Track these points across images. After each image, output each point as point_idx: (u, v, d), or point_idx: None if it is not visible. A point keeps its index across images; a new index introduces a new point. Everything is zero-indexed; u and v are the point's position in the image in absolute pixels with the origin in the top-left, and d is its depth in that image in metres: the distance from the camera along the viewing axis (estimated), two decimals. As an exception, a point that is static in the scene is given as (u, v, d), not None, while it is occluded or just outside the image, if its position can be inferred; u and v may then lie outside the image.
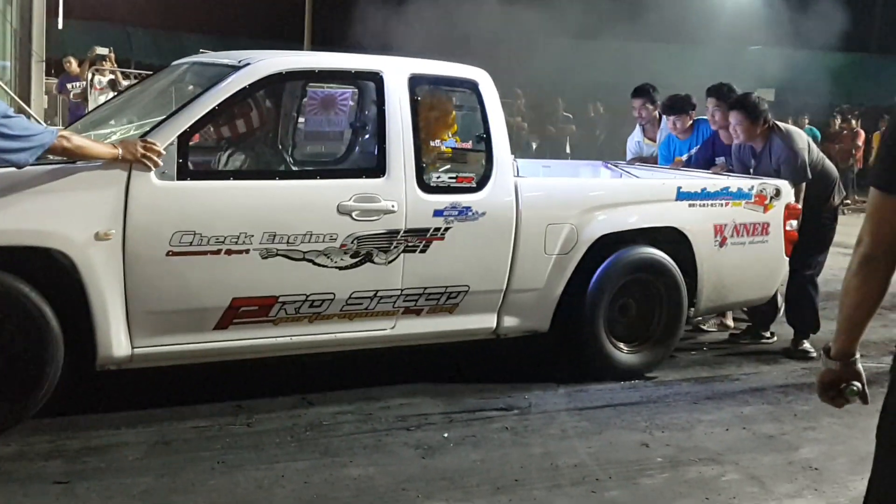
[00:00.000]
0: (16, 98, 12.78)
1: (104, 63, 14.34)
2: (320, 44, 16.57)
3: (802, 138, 6.24)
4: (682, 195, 5.53)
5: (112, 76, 13.91)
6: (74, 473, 3.80)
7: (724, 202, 5.65)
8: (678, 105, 6.82)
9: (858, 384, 2.31)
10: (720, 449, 4.49)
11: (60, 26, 15.38)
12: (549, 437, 4.53)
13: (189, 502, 3.66)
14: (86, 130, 4.85)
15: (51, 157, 3.96)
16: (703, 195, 5.58)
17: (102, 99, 12.15)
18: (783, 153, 6.04)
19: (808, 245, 6.05)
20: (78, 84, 13.82)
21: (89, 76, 13.78)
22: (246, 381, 4.90)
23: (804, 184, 6.05)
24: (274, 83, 4.69)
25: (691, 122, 6.86)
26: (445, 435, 4.46)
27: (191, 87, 4.74)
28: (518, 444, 4.41)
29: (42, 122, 10.62)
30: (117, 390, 4.66)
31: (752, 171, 6.24)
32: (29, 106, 13.20)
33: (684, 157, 6.85)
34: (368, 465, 4.08)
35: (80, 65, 14.01)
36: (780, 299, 6.50)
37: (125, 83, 13.44)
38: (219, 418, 4.47)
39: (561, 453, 4.32)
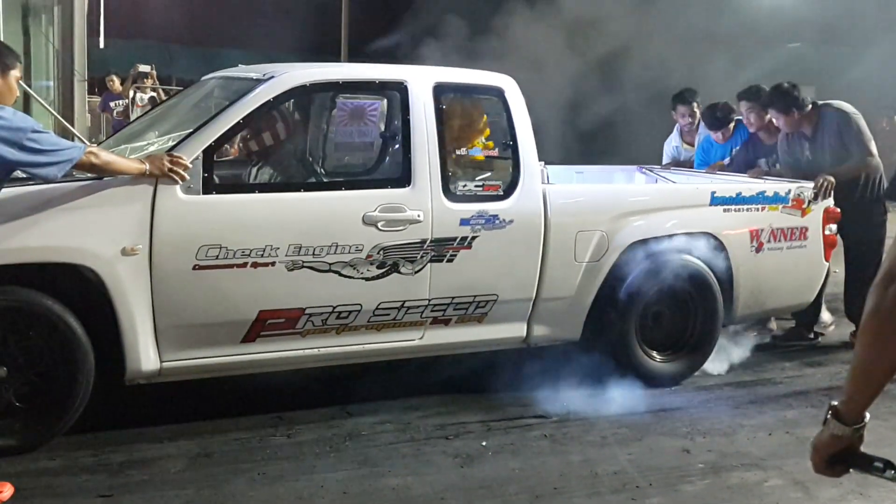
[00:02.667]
0: (59, 118, 12.96)
1: (146, 80, 14.55)
2: (356, 55, 16.67)
3: (850, 107, 6.12)
4: (716, 200, 5.43)
5: (153, 93, 14.10)
6: (118, 486, 3.86)
7: (760, 207, 5.54)
8: (722, 119, 6.74)
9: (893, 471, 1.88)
10: (763, 454, 4.42)
11: (102, 45, 15.61)
12: (588, 444, 4.49)
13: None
14: (118, 145, 4.90)
15: (76, 174, 4.00)
16: (739, 200, 5.48)
17: (145, 116, 12.30)
18: (838, 120, 5.96)
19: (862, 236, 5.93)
20: (120, 102, 14.01)
21: (131, 94, 13.99)
22: (286, 392, 4.92)
23: (874, 158, 5.93)
24: (298, 95, 4.69)
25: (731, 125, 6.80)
26: (483, 443, 4.45)
27: (217, 102, 4.77)
28: (557, 452, 4.37)
29: (86, 142, 10.79)
30: (159, 404, 4.71)
31: (808, 156, 6.09)
32: (72, 125, 13.40)
33: (725, 162, 6.76)
34: (407, 474, 4.08)
35: (122, 83, 14.21)
36: (822, 301, 6.37)
37: (165, 99, 13.62)
38: (259, 430, 4.51)
39: (600, 460, 4.29)
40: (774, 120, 6.14)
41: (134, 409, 4.64)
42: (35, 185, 3.94)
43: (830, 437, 1.91)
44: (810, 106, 6.05)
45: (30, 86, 13.08)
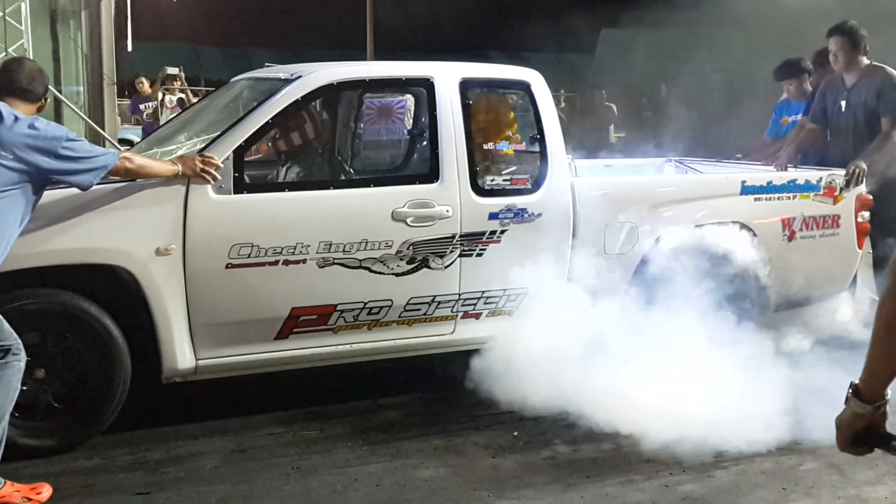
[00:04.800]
0: (90, 122, 13.14)
1: (174, 82, 14.67)
2: (384, 52, 16.75)
3: None
4: (746, 189, 5.40)
5: (182, 95, 14.21)
6: (154, 484, 3.91)
7: (791, 195, 5.50)
8: (790, 70, 6.72)
9: None
10: (797, 438, 4.38)
11: (130, 48, 15.77)
12: (620, 432, 4.45)
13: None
14: (150, 149, 4.96)
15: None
16: (769, 189, 5.44)
17: (174, 118, 12.40)
18: (881, 84, 5.91)
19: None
20: (150, 104, 14.15)
21: (160, 96, 14.11)
22: (317, 387, 4.99)
23: None
24: (326, 94, 4.73)
25: (805, 84, 6.73)
26: (515, 433, 4.47)
27: (246, 103, 4.81)
28: (589, 440, 4.38)
29: (118, 146, 10.90)
30: (194, 401, 4.79)
31: (841, 107, 6.04)
32: (103, 129, 13.56)
33: (791, 119, 6.68)
34: (439, 466, 4.12)
35: (151, 85, 14.34)
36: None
37: (195, 101, 13.73)
38: (292, 425, 4.57)
39: (632, 448, 4.29)
40: (833, 50, 6.03)
41: (169, 407, 4.71)
42: (69, 188, 4.00)
43: (852, 416, 1.93)
44: (865, 56, 6.01)
45: (60, 91, 13.25)
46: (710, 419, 4.25)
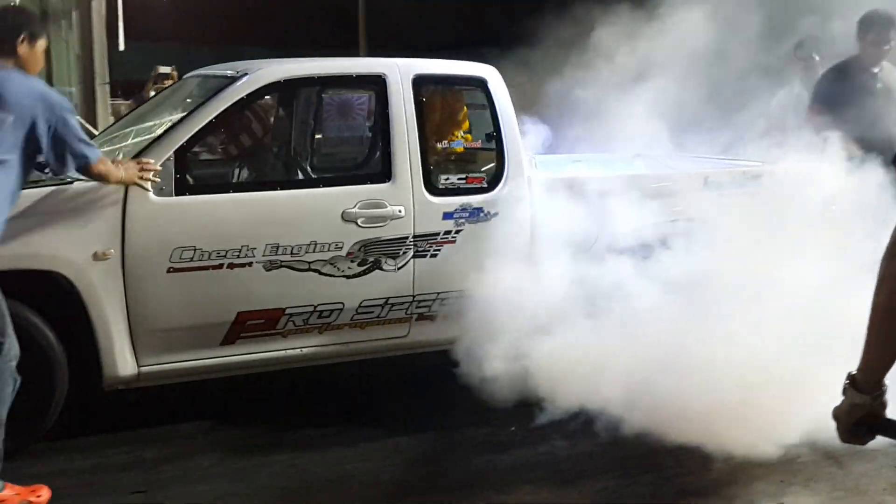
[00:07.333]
0: (85, 123, 13.05)
1: (166, 81, 14.57)
2: (377, 49, 16.63)
3: None
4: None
5: (172, 94, 14.09)
6: (152, 483, 3.88)
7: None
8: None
9: None
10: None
11: (122, 48, 15.67)
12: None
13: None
14: (100, 146, 4.85)
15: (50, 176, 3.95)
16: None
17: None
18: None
19: None
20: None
21: (152, 94, 14.01)
22: (312, 385, 5.03)
23: None
24: (273, 92, 4.61)
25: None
26: (513, 428, 4.45)
27: (193, 100, 4.69)
28: (586, 436, 4.31)
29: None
30: (189, 400, 4.81)
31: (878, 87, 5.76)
32: (96, 129, 13.49)
33: None
34: (436, 462, 4.13)
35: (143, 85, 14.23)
36: None
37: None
38: (289, 422, 4.55)
39: (630, 443, 4.22)
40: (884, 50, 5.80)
41: (164, 406, 4.73)
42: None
43: (850, 406, 1.92)
44: None
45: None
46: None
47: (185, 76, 5.39)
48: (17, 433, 4.00)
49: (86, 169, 3.81)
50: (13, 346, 3.60)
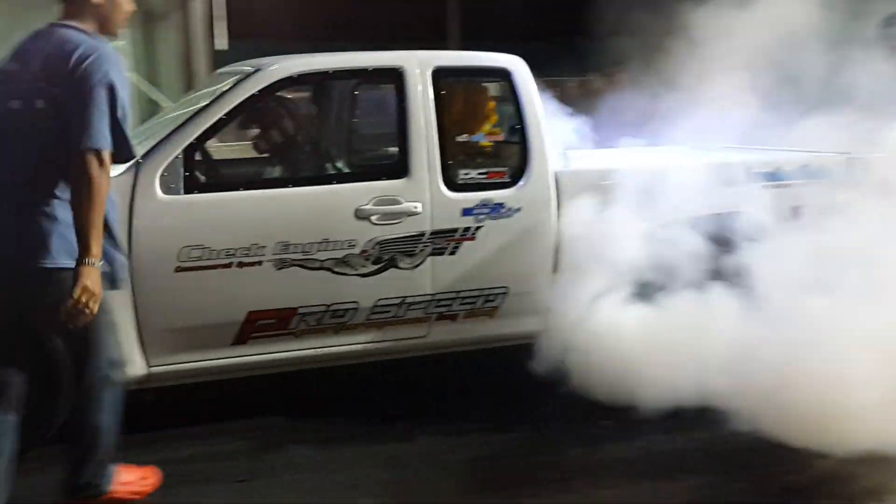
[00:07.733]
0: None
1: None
2: (472, 40, 16.47)
3: None
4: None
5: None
6: (254, 471, 3.95)
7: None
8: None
9: None
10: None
11: (226, 46, 16.00)
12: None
13: (361, 496, 3.75)
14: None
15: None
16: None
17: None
18: None
19: None
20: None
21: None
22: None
23: None
24: (286, 87, 4.52)
25: None
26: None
27: (209, 97, 4.64)
28: (684, 431, 4.21)
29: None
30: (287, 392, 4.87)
31: None
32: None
33: None
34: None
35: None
36: None
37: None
38: (381, 413, 4.60)
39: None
40: None
41: (263, 398, 4.80)
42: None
43: None
44: None
45: (161, 92, 13.56)
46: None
47: (216, 71, 5.36)
48: (21, 435, 4.07)
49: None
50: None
